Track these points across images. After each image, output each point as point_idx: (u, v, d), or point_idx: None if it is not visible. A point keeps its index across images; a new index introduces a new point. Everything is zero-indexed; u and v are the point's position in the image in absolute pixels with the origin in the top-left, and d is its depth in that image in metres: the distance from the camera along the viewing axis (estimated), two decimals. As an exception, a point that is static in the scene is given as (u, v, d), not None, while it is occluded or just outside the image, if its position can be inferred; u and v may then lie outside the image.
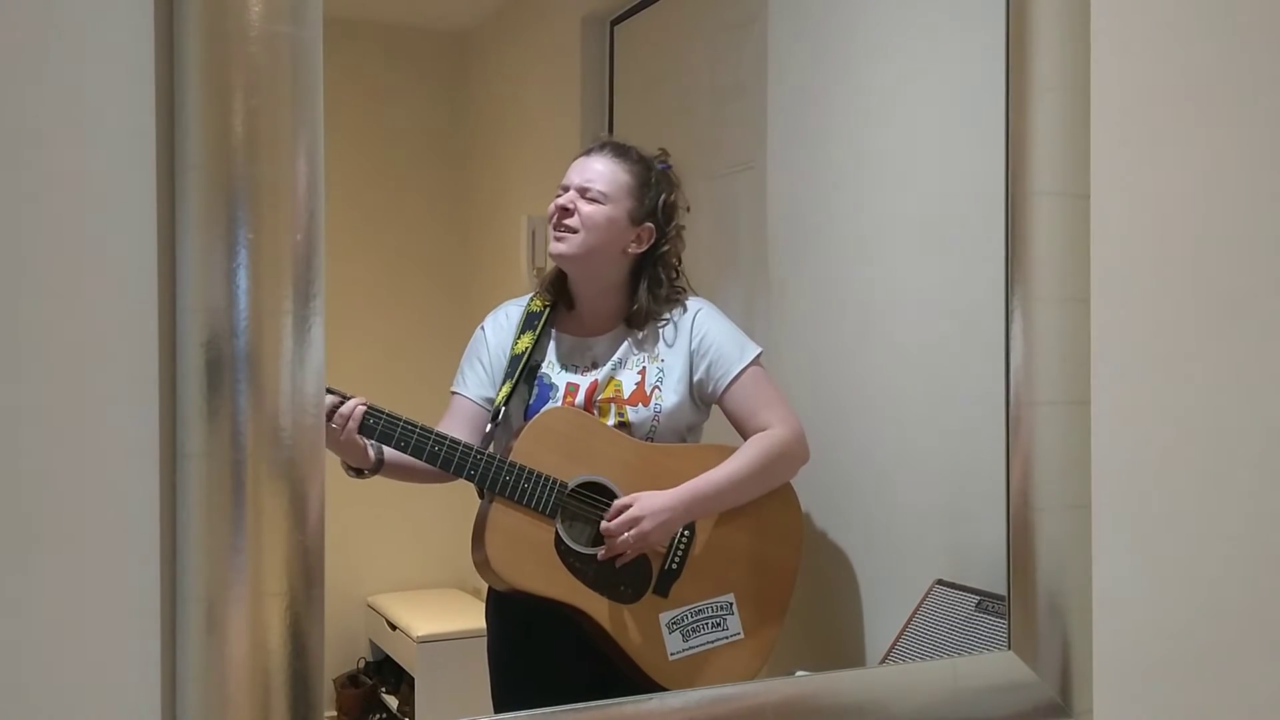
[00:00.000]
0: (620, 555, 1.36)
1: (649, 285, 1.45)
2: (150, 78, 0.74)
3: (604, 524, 1.35)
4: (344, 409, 1.25)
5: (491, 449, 1.37)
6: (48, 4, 0.72)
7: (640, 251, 1.44)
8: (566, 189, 1.44)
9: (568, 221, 1.42)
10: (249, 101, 0.74)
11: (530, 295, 1.47)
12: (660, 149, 1.49)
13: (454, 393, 1.44)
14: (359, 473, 1.31)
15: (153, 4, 0.74)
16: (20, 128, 0.72)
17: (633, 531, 1.35)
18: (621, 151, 1.46)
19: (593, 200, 1.43)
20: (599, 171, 1.44)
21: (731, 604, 1.42)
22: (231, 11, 0.73)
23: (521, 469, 1.33)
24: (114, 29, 0.74)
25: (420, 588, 1.69)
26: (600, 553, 1.35)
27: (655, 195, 1.45)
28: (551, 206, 1.44)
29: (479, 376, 1.43)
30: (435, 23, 1.69)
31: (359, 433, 1.26)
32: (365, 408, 1.26)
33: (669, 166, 1.47)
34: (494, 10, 1.74)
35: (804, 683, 1.08)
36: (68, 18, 0.73)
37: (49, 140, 0.73)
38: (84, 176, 0.73)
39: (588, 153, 1.46)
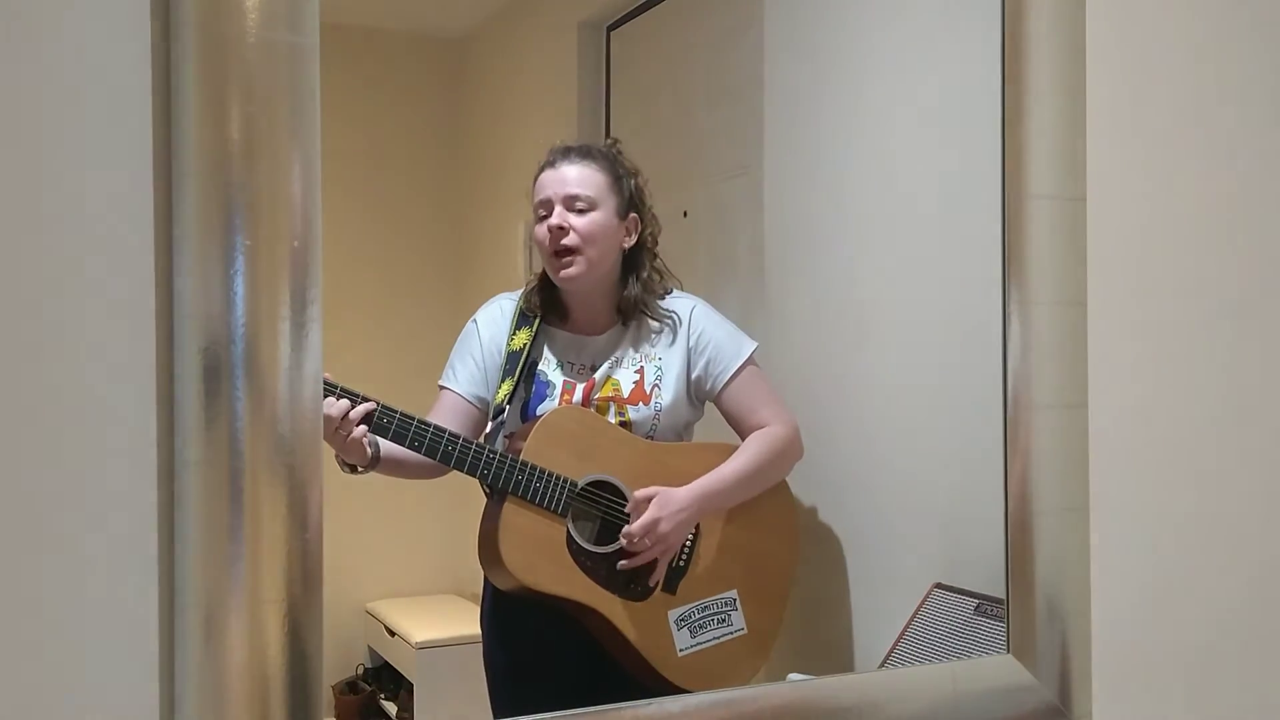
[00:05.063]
0: (640, 560, 1.36)
1: (636, 274, 1.45)
2: (147, 84, 0.74)
3: (626, 528, 1.35)
4: (353, 414, 1.25)
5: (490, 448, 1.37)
6: (44, 10, 0.72)
7: (633, 244, 1.44)
8: (549, 206, 1.41)
9: (566, 242, 1.40)
10: (246, 108, 0.74)
11: (523, 290, 1.46)
12: (612, 137, 1.48)
13: (442, 387, 1.44)
14: (353, 469, 1.31)
15: (149, 10, 0.74)
16: (16, 134, 0.72)
17: (652, 534, 1.36)
18: (584, 153, 1.44)
19: (582, 211, 1.41)
20: (576, 178, 1.42)
21: (735, 600, 1.43)
22: (228, 18, 0.73)
23: (534, 468, 1.33)
24: (111, 35, 0.74)
25: (419, 594, 1.69)
26: (617, 552, 1.36)
27: (628, 184, 1.44)
28: (541, 229, 1.41)
29: (470, 372, 1.43)
30: (432, 29, 1.70)
31: (372, 430, 1.26)
32: (379, 407, 1.26)
33: (622, 152, 1.46)
34: (490, 17, 1.75)
35: (803, 687, 1.08)
36: (64, 23, 0.73)
37: (45, 146, 0.73)
38: (80, 183, 0.73)
39: (552, 165, 1.43)
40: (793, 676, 1.20)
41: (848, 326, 1.50)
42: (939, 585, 1.30)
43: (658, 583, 1.39)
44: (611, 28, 1.70)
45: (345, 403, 1.24)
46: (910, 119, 1.41)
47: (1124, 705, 1.15)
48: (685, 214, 1.58)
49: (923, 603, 1.30)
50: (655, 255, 1.46)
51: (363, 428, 1.25)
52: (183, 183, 0.73)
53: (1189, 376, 1.21)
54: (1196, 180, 1.22)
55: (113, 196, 0.74)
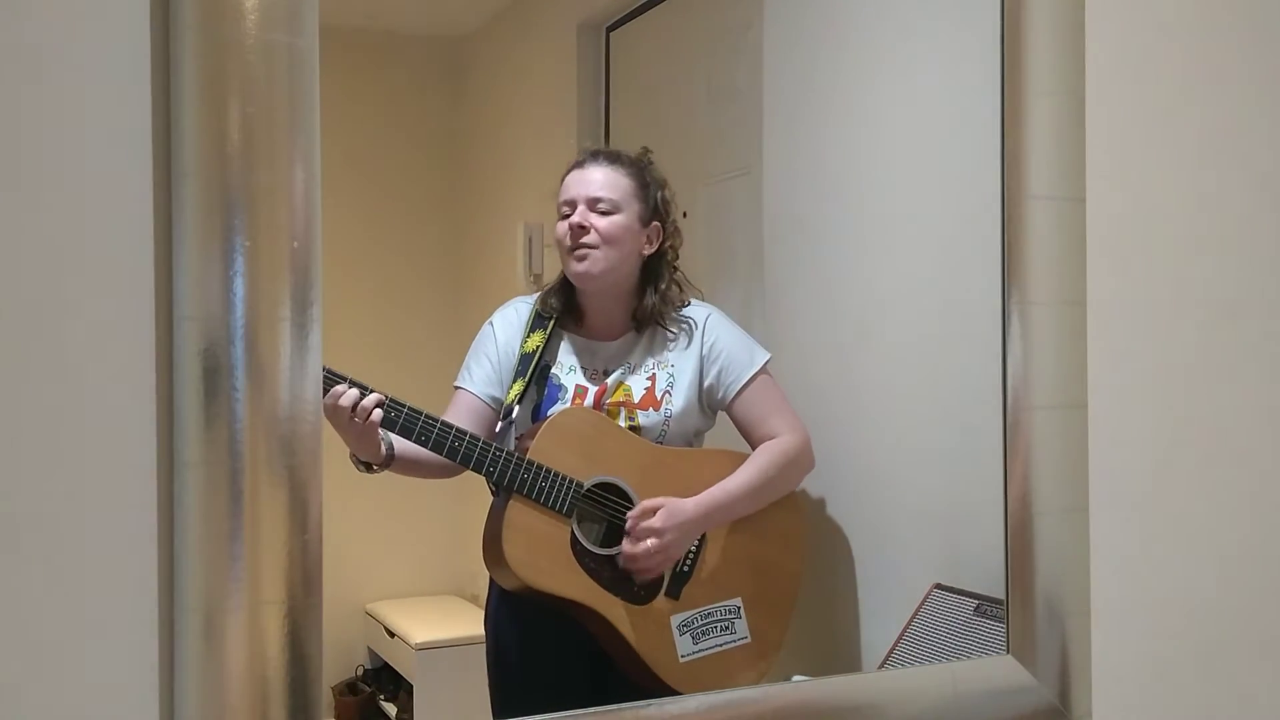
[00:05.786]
0: (638, 562, 1.35)
1: (655, 284, 1.45)
2: (147, 85, 0.74)
3: (628, 526, 1.35)
4: (365, 402, 1.25)
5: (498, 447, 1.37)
6: (44, 12, 0.72)
7: (652, 252, 1.44)
8: (573, 205, 1.41)
9: (585, 240, 1.40)
10: (245, 109, 0.74)
11: (539, 295, 1.46)
12: (643, 147, 1.48)
13: (458, 387, 1.44)
14: (369, 467, 1.31)
15: (149, 12, 0.74)
16: (16, 136, 0.72)
17: (653, 541, 1.35)
18: (613, 157, 1.45)
19: (605, 212, 1.41)
20: (602, 181, 1.42)
21: (739, 608, 1.42)
22: (228, 20, 0.73)
23: (540, 467, 1.33)
24: (110, 37, 0.74)
25: (418, 595, 1.69)
26: (620, 556, 1.35)
27: (655, 193, 1.44)
28: (563, 226, 1.41)
29: (485, 373, 1.43)
30: (431, 30, 1.70)
31: (379, 425, 1.26)
32: (388, 400, 1.25)
33: (653, 162, 1.46)
34: (490, 17, 1.74)
35: (803, 688, 1.08)
36: (64, 25, 0.73)
37: (45, 147, 0.73)
38: (80, 184, 0.73)
39: (580, 165, 1.43)
40: (797, 679, 1.20)
41: (847, 326, 1.50)
42: (939, 585, 1.30)
43: (661, 587, 1.38)
44: (611, 28, 1.70)
45: (355, 392, 1.24)
46: (910, 119, 1.41)
47: (1123, 705, 1.15)
48: (685, 214, 1.58)
49: (923, 603, 1.30)
50: (676, 268, 1.46)
51: (380, 412, 1.25)
52: (183, 183, 0.73)
53: (1188, 376, 1.21)
54: (1196, 180, 1.22)
55: (113, 197, 0.74)
